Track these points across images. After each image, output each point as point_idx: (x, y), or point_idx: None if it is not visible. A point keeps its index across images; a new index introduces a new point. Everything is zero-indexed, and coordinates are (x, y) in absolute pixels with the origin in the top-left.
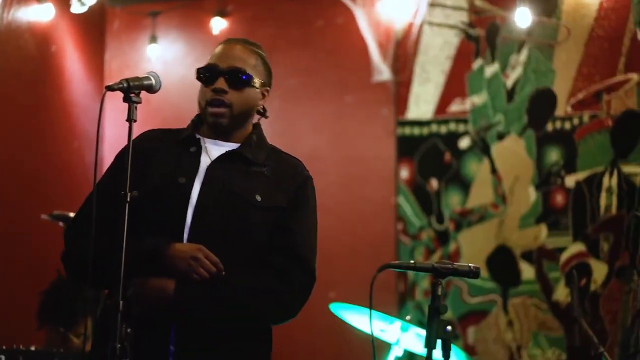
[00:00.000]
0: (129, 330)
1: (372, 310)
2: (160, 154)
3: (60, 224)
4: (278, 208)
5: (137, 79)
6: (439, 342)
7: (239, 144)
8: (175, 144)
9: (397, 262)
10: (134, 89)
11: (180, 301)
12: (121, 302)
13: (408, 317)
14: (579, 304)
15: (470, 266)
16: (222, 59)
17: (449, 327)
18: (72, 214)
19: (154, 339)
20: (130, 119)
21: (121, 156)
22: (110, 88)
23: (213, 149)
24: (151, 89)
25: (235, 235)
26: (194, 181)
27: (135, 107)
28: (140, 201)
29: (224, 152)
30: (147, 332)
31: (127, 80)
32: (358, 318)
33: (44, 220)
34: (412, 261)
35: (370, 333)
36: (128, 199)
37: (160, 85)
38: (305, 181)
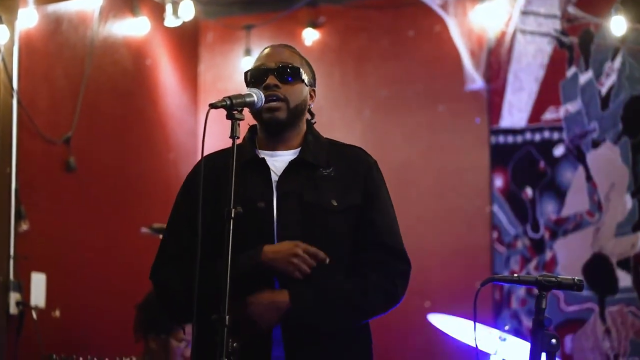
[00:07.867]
0: (235, 344)
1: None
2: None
3: (161, 236)
4: (355, 206)
5: (239, 96)
6: (543, 355)
7: (297, 149)
8: (240, 165)
9: (500, 275)
10: (237, 106)
11: (298, 312)
12: (227, 316)
13: (506, 327)
14: None
15: (574, 279)
16: (270, 59)
17: (553, 340)
18: None
19: (259, 350)
20: (234, 136)
21: (190, 182)
22: (213, 106)
23: (276, 163)
24: (253, 106)
25: (322, 244)
26: (272, 203)
27: (238, 125)
28: (221, 229)
29: (287, 163)
30: (252, 345)
31: (230, 97)
32: (455, 327)
33: (141, 232)
34: (515, 275)
35: (475, 345)
36: (232, 215)
37: (262, 102)
38: (370, 169)
